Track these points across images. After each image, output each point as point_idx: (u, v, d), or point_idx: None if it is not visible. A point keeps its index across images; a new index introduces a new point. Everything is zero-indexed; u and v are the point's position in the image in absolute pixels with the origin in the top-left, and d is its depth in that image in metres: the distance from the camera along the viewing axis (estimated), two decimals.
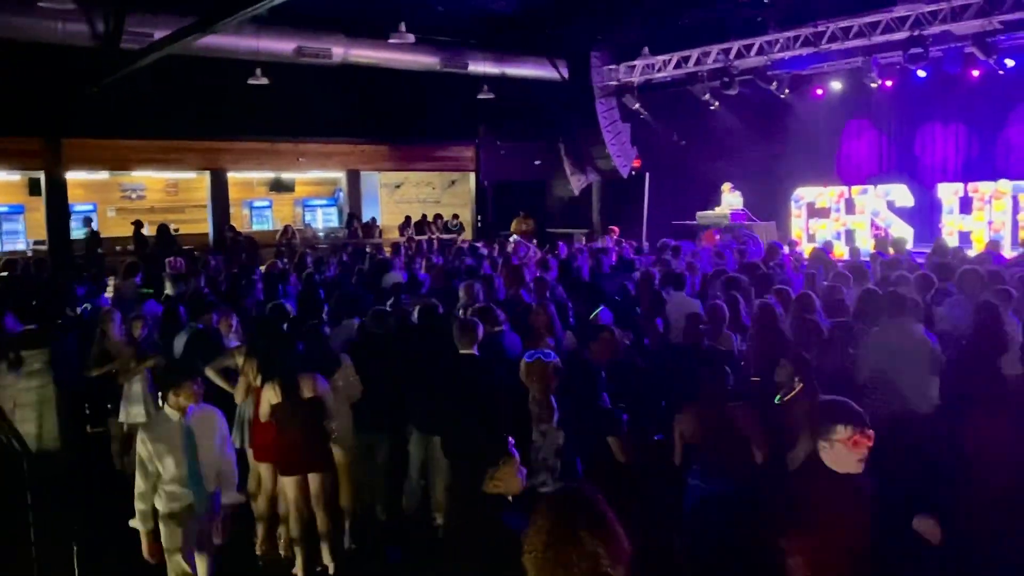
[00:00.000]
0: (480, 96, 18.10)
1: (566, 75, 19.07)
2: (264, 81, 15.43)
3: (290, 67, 15.75)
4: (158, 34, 12.84)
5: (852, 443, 3.33)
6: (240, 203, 21.98)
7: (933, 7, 12.85)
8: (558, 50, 18.74)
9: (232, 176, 19.81)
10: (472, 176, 22.30)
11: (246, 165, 20.03)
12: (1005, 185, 15.00)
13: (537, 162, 20.91)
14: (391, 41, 14.55)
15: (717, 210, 17.49)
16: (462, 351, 5.68)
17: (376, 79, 17.37)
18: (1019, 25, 12.80)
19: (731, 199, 17.50)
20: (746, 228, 16.08)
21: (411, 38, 14.40)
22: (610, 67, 18.34)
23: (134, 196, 21.20)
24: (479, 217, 21.96)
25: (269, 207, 23.13)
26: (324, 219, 23.60)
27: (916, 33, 13.04)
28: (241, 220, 21.73)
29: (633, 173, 19.93)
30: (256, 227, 21.94)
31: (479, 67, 17.65)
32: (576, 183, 20.19)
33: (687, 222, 17.55)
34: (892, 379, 5.76)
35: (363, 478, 6.26)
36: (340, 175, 22.10)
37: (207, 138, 18.50)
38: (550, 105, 19.54)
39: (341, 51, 15.99)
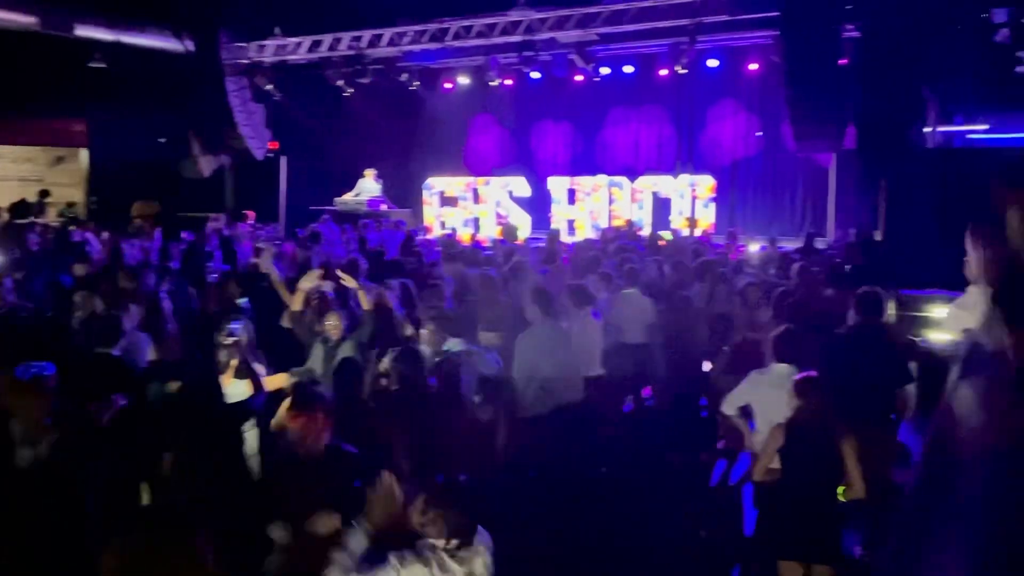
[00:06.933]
0: (92, 64, 16.27)
1: (192, 49, 17.87)
2: None
3: None
4: None
5: None
6: None
7: (542, 15, 14.15)
8: (184, 21, 17.47)
9: None
10: (84, 152, 20.04)
11: None
12: (602, 179, 17.07)
13: (162, 140, 19.37)
14: None
15: (354, 196, 17.55)
16: None
17: None
18: (613, 38, 14.60)
19: (370, 185, 17.64)
20: (392, 216, 16.39)
21: None
22: (239, 44, 17.56)
23: None
24: (94, 199, 19.83)
25: None
26: None
27: (528, 38, 14.27)
28: None
29: (270, 155, 19.32)
30: None
31: (88, 32, 15.87)
32: (206, 164, 19.03)
33: (325, 207, 17.44)
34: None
35: None
36: None
37: None
38: (176, 80, 18.16)
39: None
